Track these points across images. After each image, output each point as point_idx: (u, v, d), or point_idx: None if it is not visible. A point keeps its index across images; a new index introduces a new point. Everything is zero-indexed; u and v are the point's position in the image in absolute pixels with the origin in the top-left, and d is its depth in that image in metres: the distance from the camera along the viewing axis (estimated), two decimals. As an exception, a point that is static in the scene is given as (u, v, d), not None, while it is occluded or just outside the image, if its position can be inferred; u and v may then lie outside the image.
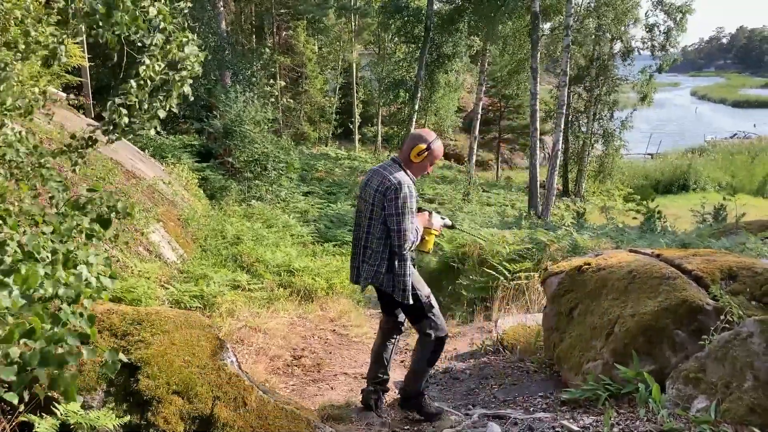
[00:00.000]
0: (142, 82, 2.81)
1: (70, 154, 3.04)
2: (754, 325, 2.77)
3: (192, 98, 3.05)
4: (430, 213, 3.92)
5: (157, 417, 2.54)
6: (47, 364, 1.81)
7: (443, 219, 4.03)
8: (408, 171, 3.65)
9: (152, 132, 3.06)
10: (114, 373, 2.09)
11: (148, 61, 2.74)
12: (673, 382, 3.00)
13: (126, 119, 2.84)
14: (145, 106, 2.89)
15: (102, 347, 2.09)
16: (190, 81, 2.98)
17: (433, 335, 3.74)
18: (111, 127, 2.87)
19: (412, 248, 3.64)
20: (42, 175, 2.82)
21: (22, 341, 1.80)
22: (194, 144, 16.81)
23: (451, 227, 4.15)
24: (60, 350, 1.86)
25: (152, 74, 2.81)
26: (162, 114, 2.97)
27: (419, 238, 3.69)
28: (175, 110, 3.08)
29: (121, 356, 2.08)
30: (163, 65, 2.85)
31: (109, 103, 2.83)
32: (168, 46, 2.83)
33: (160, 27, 2.78)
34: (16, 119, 3.16)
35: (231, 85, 18.00)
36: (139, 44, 2.80)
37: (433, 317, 3.73)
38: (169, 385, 2.63)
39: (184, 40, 2.86)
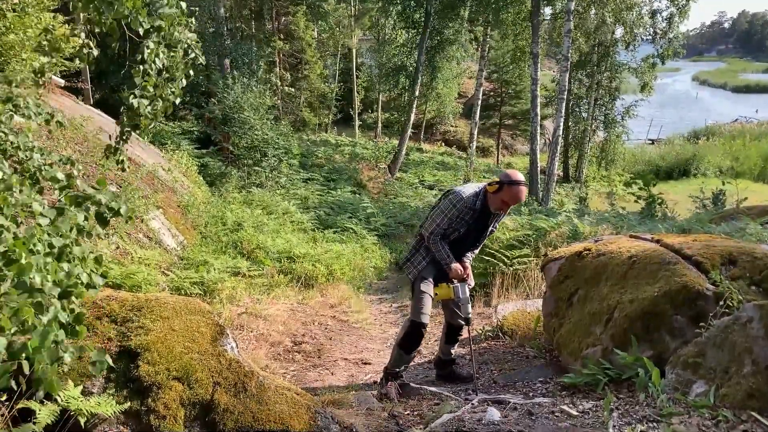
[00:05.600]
0: (147, 66, 2.78)
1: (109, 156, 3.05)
2: (754, 310, 2.76)
3: (191, 84, 3.05)
4: (462, 284, 4.12)
5: (157, 403, 2.55)
6: (37, 355, 1.80)
7: (468, 301, 4.13)
8: (486, 197, 3.97)
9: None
10: (101, 373, 2.09)
11: (152, 45, 2.71)
12: (673, 367, 3.00)
13: (148, 108, 2.82)
14: (160, 92, 2.86)
15: (89, 346, 2.08)
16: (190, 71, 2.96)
17: (410, 316, 4.18)
18: (137, 119, 2.85)
19: (442, 262, 4.11)
20: (41, 170, 2.81)
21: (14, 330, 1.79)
22: (193, 130, 16.74)
23: (466, 320, 4.19)
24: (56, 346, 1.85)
25: (159, 59, 2.78)
26: (177, 100, 2.97)
27: (449, 269, 4.10)
28: (180, 97, 3.07)
29: (107, 358, 2.08)
30: (167, 51, 2.82)
31: (128, 101, 2.79)
32: (171, 30, 2.80)
33: (161, 11, 2.74)
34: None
35: (229, 71, 17.89)
36: (141, 30, 2.77)
37: (416, 301, 4.12)
38: (170, 372, 2.63)
39: (182, 21, 2.82)
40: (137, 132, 2.92)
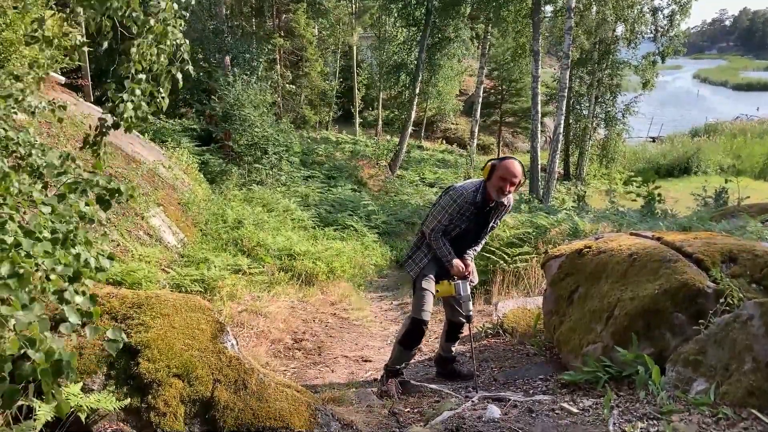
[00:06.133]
0: (130, 65, 2.76)
1: (88, 149, 3.03)
2: (754, 308, 2.76)
3: (187, 83, 3.03)
4: (464, 281, 4.12)
5: (157, 400, 2.55)
6: (46, 376, 1.80)
7: (469, 298, 4.13)
8: (486, 189, 4.00)
9: (150, 118, 3.04)
10: (116, 351, 2.08)
11: (140, 41, 2.70)
12: (673, 364, 3.00)
13: (132, 112, 2.80)
14: (147, 91, 2.85)
15: (104, 327, 2.08)
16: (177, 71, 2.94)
17: (411, 313, 4.18)
18: (119, 120, 2.83)
19: (443, 258, 4.10)
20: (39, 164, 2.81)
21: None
22: (194, 128, 16.73)
23: (467, 317, 4.18)
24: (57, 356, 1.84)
25: (146, 61, 2.77)
26: (164, 102, 2.95)
27: (451, 266, 4.09)
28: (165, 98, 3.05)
29: (123, 336, 2.07)
30: (154, 51, 2.81)
31: (115, 99, 2.77)
32: (164, 28, 2.78)
33: (156, 10, 2.73)
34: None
35: (230, 69, 17.88)
36: (135, 28, 2.76)
37: (418, 298, 4.11)
38: (170, 369, 2.63)
39: (172, 24, 2.81)
40: (130, 130, 2.90)
